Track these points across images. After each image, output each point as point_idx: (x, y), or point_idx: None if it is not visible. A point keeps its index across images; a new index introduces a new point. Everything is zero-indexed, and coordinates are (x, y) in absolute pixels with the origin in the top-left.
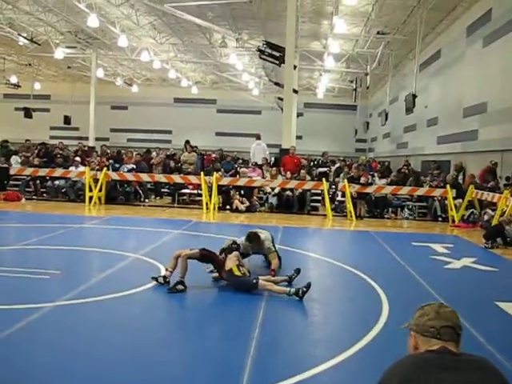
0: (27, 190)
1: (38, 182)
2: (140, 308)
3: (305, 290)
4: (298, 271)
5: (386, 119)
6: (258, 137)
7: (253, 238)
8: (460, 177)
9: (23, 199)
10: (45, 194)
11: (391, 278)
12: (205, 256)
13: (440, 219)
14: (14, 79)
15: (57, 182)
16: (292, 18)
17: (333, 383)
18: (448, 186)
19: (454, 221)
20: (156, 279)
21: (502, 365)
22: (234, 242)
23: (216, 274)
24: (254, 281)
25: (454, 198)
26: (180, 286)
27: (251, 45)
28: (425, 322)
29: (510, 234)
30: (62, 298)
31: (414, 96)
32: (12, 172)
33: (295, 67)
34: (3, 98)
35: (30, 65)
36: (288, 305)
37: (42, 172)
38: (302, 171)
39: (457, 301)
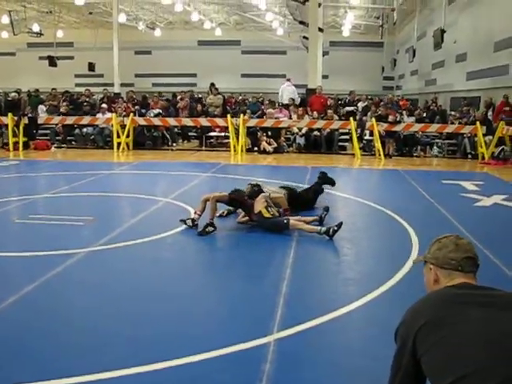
0: (56, 138)
1: (65, 129)
2: (171, 251)
3: (336, 228)
4: (327, 209)
5: (414, 56)
6: (288, 78)
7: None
8: (490, 113)
9: (53, 148)
10: (73, 142)
11: (421, 216)
12: (234, 199)
13: (470, 156)
14: (36, 27)
15: (85, 130)
16: None
17: (364, 320)
18: (478, 122)
19: (483, 158)
20: (184, 222)
21: None
22: (254, 185)
23: (242, 218)
24: (285, 221)
25: (484, 135)
26: (210, 228)
27: None
28: (445, 255)
29: None
30: (95, 243)
31: (443, 31)
32: (40, 121)
33: (320, 4)
34: (27, 47)
35: (51, 12)
36: (318, 244)
37: (70, 120)
38: (329, 111)
39: (487, 238)
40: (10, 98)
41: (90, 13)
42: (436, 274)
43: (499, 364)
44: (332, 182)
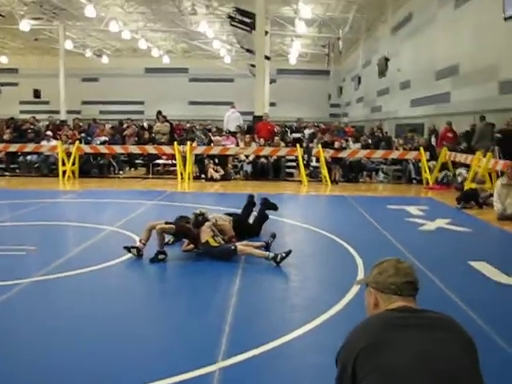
0: None
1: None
2: (117, 281)
3: (284, 255)
4: (274, 236)
5: (360, 83)
6: (233, 105)
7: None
8: (433, 139)
9: None
10: (17, 170)
11: (366, 241)
12: (180, 231)
13: (414, 182)
14: None
15: (29, 157)
16: None
17: (310, 346)
18: (422, 148)
19: (428, 183)
20: (129, 249)
21: (473, 321)
22: (198, 214)
23: (187, 246)
24: (233, 247)
25: (428, 161)
26: (161, 256)
27: (221, 11)
28: (385, 279)
29: (483, 197)
30: (38, 273)
31: (387, 59)
32: None
33: (266, 33)
34: None
35: None
36: (265, 271)
37: (14, 147)
38: (276, 138)
39: (431, 261)
40: None
41: (36, 39)
42: (376, 297)
43: None
44: (275, 207)
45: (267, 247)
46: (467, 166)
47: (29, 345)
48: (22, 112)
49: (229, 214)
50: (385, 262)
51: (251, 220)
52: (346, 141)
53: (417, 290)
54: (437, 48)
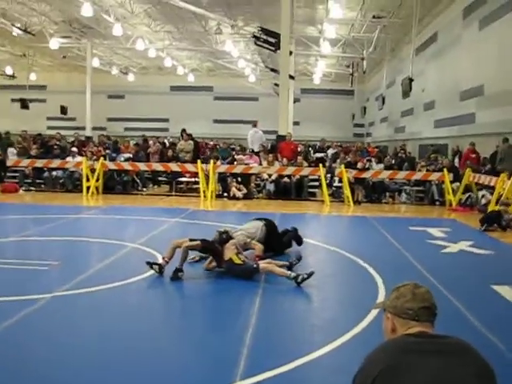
0: (25, 181)
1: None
2: (137, 298)
3: (305, 277)
4: (299, 258)
5: (383, 103)
6: (255, 124)
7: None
8: (456, 160)
9: (21, 190)
10: (42, 185)
11: (388, 263)
12: (206, 248)
13: (437, 203)
14: (9, 70)
15: (54, 173)
16: (287, 3)
17: (329, 368)
18: (445, 169)
19: (451, 204)
20: (151, 265)
21: (496, 347)
22: (222, 232)
23: (209, 264)
24: (255, 265)
25: (452, 182)
26: (180, 273)
27: (246, 31)
28: (402, 304)
29: (506, 219)
30: (60, 288)
31: (411, 80)
32: (9, 164)
33: (291, 53)
34: None
35: (24, 55)
36: (285, 291)
37: (40, 163)
38: (299, 157)
39: (453, 285)
40: None
41: (64, 57)
42: (393, 322)
43: None
44: (300, 242)
45: (290, 267)
46: (491, 188)
47: (48, 361)
48: (49, 128)
49: (260, 219)
50: (402, 286)
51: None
52: (369, 161)
53: (435, 315)
54: (461, 69)
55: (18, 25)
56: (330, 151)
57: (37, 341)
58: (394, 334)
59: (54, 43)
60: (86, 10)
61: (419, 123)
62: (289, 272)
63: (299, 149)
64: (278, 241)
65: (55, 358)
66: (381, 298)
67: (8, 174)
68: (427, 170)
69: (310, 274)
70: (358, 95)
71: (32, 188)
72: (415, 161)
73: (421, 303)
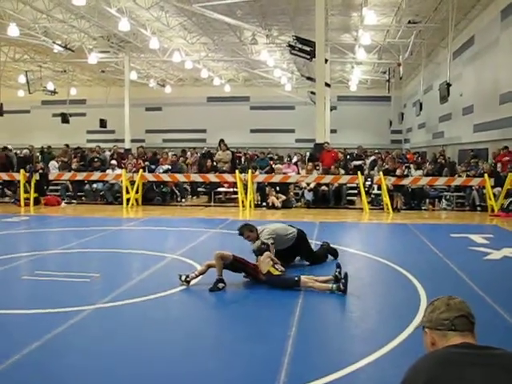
0: (67, 194)
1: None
2: (178, 309)
3: (343, 281)
4: (338, 266)
5: (421, 109)
6: None
7: (243, 230)
8: (499, 164)
9: (63, 203)
10: (83, 198)
11: (429, 271)
12: (237, 261)
13: (479, 209)
14: (50, 86)
15: (95, 186)
16: (321, 11)
17: (370, 380)
18: (486, 174)
19: (493, 210)
20: (180, 276)
21: None
22: (263, 243)
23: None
24: (296, 278)
25: (493, 187)
26: (221, 284)
27: (281, 40)
28: (437, 316)
29: None
30: (101, 300)
31: (449, 84)
32: (51, 177)
33: (326, 61)
34: (41, 104)
35: (65, 71)
36: (325, 301)
37: (80, 176)
38: (332, 167)
39: (497, 292)
40: (22, 155)
41: (103, 71)
42: (432, 336)
43: None
44: (335, 254)
45: (336, 280)
46: None
47: (92, 371)
48: (88, 141)
49: (292, 226)
50: (436, 300)
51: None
52: (408, 168)
53: (472, 324)
54: (500, 71)
55: (59, 42)
56: (370, 158)
57: (80, 352)
58: (434, 347)
59: (93, 58)
60: (124, 25)
61: (458, 128)
62: (330, 285)
63: (340, 156)
64: (308, 251)
65: (98, 369)
66: (422, 306)
67: (50, 188)
68: (467, 176)
69: (346, 277)
70: (395, 101)
71: (73, 201)
72: (455, 166)
73: (456, 313)
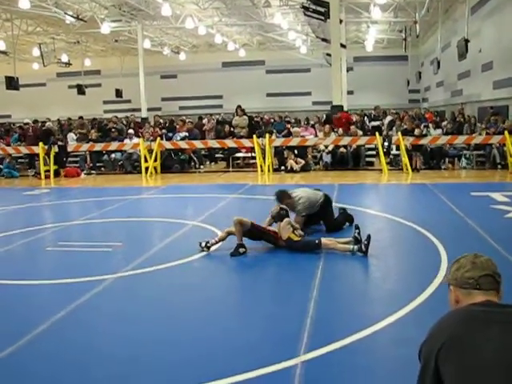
0: (86, 165)
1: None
2: (199, 275)
3: (366, 243)
4: (357, 227)
5: (439, 67)
6: None
7: (282, 196)
8: None
9: (82, 174)
10: (102, 168)
11: (450, 230)
12: (255, 228)
13: (499, 167)
14: (64, 58)
15: (113, 156)
16: None
17: (392, 340)
18: (506, 132)
19: None
20: (200, 243)
21: None
22: (282, 208)
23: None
24: (317, 241)
25: None
26: (242, 249)
27: (295, 2)
28: (462, 275)
29: None
30: (124, 269)
31: (467, 41)
32: (69, 149)
33: (341, 21)
34: (56, 77)
35: (78, 42)
36: (346, 263)
37: (98, 147)
38: (352, 127)
39: None
40: (44, 128)
41: (116, 41)
42: (456, 294)
43: None
44: (351, 220)
45: (357, 241)
46: None
47: (116, 337)
48: (105, 111)
49: (319, 190)
50: (462, 258)
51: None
52: (427, 127)
53: (498, 283)
54: None
55: (71, 13)
56: (387, 119)
57: (104, 319)
58: (458, 305)
59: (106, 28)
60: None
61: (477, 85)
62: (351, 247)
63: (354, 118)
64: (331, 217)
65: (122, 335)
66: (443, 266)
67: (69, 159)
68: (487, 134)
69: (368, 238)
70: (412, 60)
71: (93, 171)
72: (475, 123)
73: (481, 272)
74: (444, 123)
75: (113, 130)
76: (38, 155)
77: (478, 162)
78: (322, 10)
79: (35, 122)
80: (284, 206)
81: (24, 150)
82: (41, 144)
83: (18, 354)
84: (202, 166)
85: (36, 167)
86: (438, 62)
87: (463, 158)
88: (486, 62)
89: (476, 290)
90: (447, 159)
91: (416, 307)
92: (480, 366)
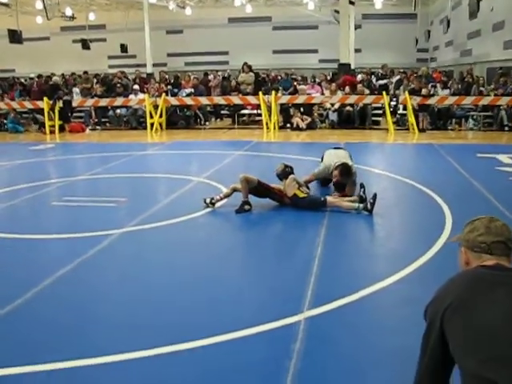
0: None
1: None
2: (204, 231)
3: (372, 201)
4: (362, 185)
5: (448, 26)
6: None
7: (348, 173)
8: None
9: (87, 130)
10: (107, 124)
11: (455, 191)
12: (262, 185)
13: (507, 129)
14: (68, 11)
15: (118, 111)
16: None
17: (396, 298)
18: None
19: None
20: (205, 200)
21: None
22: (287, 166)
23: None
24: (323, 198)
25: None
26: (247, 206)
27: None
28: (475, 238)
29: None
30: (128, 224)
31: None
32: (74, 104)
33: None
34: (60, 31)
35: None
36: (350, 221)
37: (104, 102)
38: (359, 85)
39: None
40: (51, 82)
41: None
42: (467, 256)
43: None
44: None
45: (362, 200)
46: None
47: (120, 292)
48: (110, 66)
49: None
50: (477, 220)
51: None
52: (434, 87)
53: (510, 249)
54: None
55: None
56: (395, 78)
57: (106, 278)
58: (467, 267)
59: None
60: None
61: (487, 45)
62: (356, 204)
63: (358, 79)
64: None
65: (127, 290)
66: (448, 225)
67: (74, 115)
68: (495, 95)
69: (374, 197)
70: (422, 19)
71: (98, 127)
72: (484, 83)
73: (495, 237)
74: (451, 83)
75: (118, 85)
76: (42, 110)
77: (485, 123)
78: None
79: (39, 76)
80: (289, 164)
81: (29, 104)
82: (45, 99)
83: (15, 313)
84: (207, 123)
85: (39, 122)
86: (448, 21)
87: (470, 119)
88: (497, 21)
89: (487, 255)
90: (454, 120)
91: (420, 266)
92: (484, 326)
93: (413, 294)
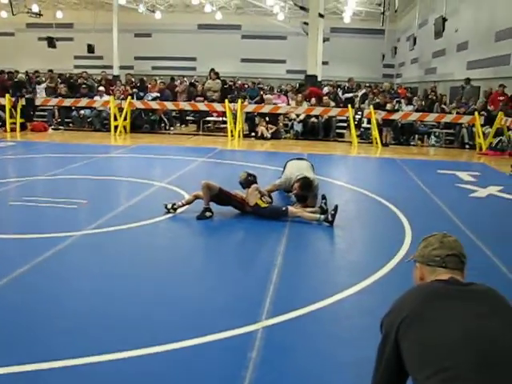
0: (54, 120)
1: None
2: (164, 236)
3: (333, 213)
4: (324, 197)
5: (415, 44)
6: None
7: (309, 188)
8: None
9: (50, 129)
10: (71, 124)
11: (415, 206)
12: (223, 193)
13: (467, 147)
14: (35, 8)
15: (82, 112)
16: None
17: (354, 309)
18: (476, 112)
19: (481, 148)
20: (166, 205)
21: None
22: (250, 175)
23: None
24: (284, 208)
25: (483, 125)
26: (208, 213)
27: None
28: (430, 252)
29: None
30: (88, 226)
31: (444, 19)
32: (37, 103)
33: None
34: (26, 27)
35: None
36: (311, 231)
37: (67, 102)
38: (325, 97)
39: (481, 230)
40: (16, 79)
41: None
42: (422, 271)
43: (476, 360)
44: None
45: (323, 211)
46: None
47: (78, 294)
48: (76, 67)
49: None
50: (431, 236)
51: None
52: (399, 102)
53: (463, 263)
54: (497, 8)
55: None
56: (361, 92)
57: (66, 276)
58: (422, 282)
59: None
60: None
61: (451, 64)
62: (317, 216)
63: (326, 90)
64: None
65: (84, 292)
66: (407, 240)
67: (37, 113)
68: (457, 113)
69: (336, 209)
70: (389, 35)
71: (60, 127)
72: (446, 102)
73: (448, 251)
74: (415, 99)
75: (83, 86)
76: (4, 107)
77: (446, 140)
78: None
79: (1, 72)
80: (252, 172)
81: None
82: (7, 95)
83: None
84: (172, 128)
85: (0, 119)
86: (415, 39)
87: (432, 136)
88: (461, 41)
89: (441, 268)
90: (417, 136)
91: (379, 278)
92: (438, 339)
93: (371, 305)
